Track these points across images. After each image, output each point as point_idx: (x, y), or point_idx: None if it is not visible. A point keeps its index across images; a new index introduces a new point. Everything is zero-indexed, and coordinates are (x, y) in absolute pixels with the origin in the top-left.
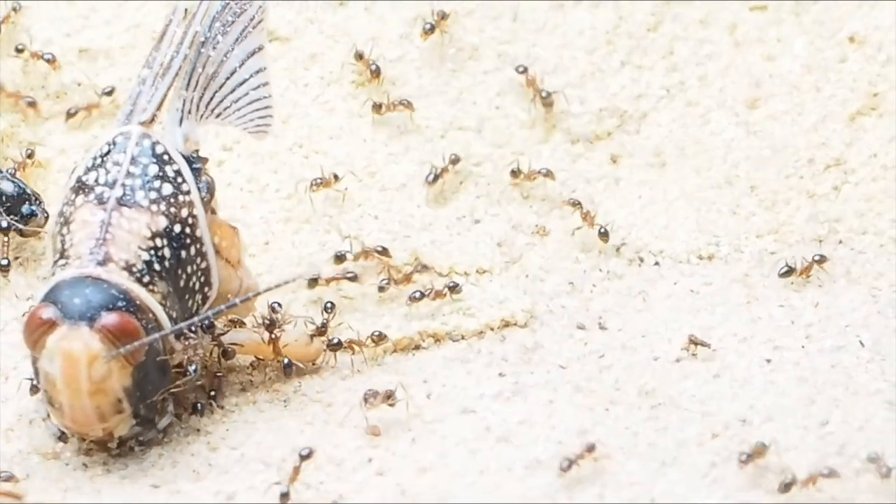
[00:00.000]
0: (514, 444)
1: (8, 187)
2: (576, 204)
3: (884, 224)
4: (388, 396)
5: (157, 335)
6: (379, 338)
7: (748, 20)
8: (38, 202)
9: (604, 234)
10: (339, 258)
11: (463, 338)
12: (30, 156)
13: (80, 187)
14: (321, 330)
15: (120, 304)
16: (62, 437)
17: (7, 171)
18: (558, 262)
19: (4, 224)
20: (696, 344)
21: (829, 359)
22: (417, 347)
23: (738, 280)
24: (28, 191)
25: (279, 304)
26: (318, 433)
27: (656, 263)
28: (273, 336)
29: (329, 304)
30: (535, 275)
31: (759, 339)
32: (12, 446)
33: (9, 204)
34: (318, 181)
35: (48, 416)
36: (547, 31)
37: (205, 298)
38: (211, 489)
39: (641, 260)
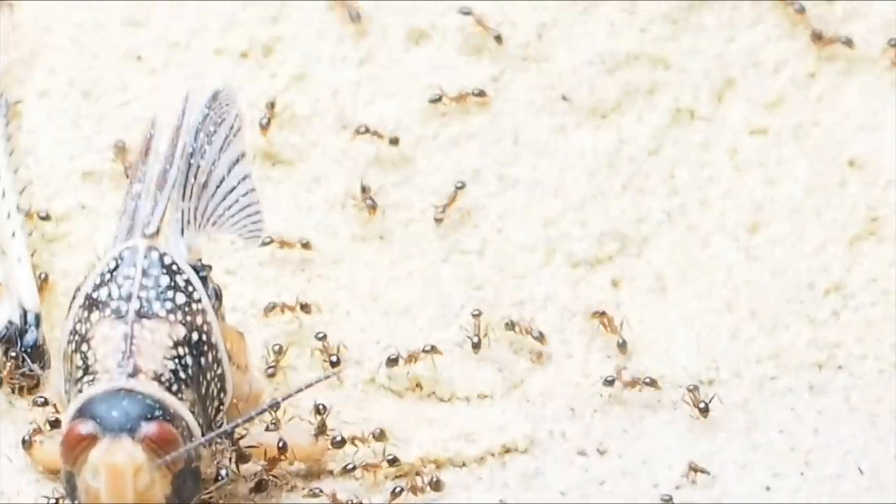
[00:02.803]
0: None
1: (33, 339)
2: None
3: (884, 349)
4: None
5: (198, 442)
6: (380, 435)
7: (748, 144)
8: (41, 366)
9: (622, 346)
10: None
11: (464, 464)
12: (44, 280)
13: (93, 304)
14: (321, 429)
15: (157, 413)
16: None
17: (34, 324)
18: (559, 387)
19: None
20: (695, 471)
21: (829, 486)
22: (418, 473)
23: (737, 405)
24: (45, 353)
25: (280, 400)
26: None
27: (652, 384)
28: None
29: (321, 406)
30: (535, 400)
31: (759, 466)
32: None
33: (26, 350)
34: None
35: None
36: (548, 153)
37: (221, 404)
38: None
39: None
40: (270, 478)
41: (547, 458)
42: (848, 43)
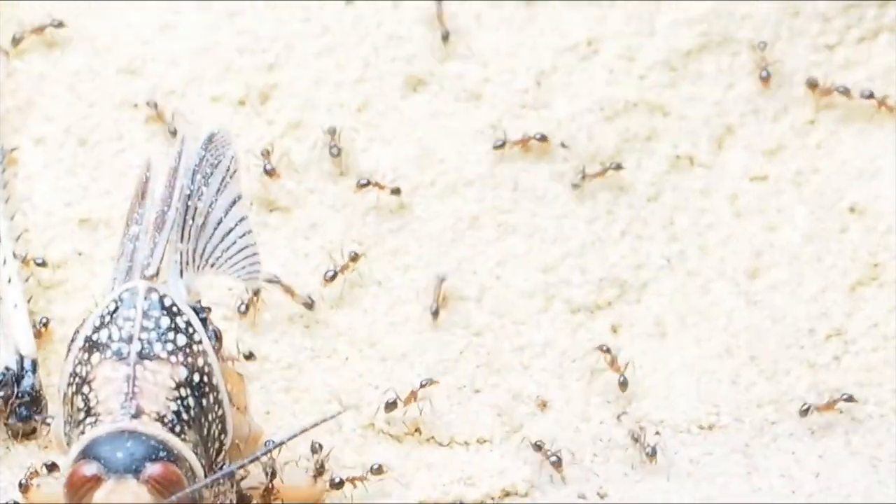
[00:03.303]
0: None
1: (30, 384)
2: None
3: (885, 394)
4: None
5: (202, 483)
6: (378, 470)
7: (749, 190)
8: (38, 412)
9: (623, 384)
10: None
11: None
12: (45, 325)
13: (93, 346)
14: (320, 470)
15: (161, 454)
16: None
17: (31, 370)
18: (559, 432)
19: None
20: None
21: None
22: None
23: (738, 450)
24: (42, 399)
25: (272, 441)
26: None
27: (657, 433)
28: (270, 481)
29: (318, 445)
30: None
31: None
32: None
33: (23, 397)
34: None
35: None
36: (547, 200)
37: (222, 445)
38: None
39: (642, 429)
40: None
41: (547, 503)
42: (845, 92)
